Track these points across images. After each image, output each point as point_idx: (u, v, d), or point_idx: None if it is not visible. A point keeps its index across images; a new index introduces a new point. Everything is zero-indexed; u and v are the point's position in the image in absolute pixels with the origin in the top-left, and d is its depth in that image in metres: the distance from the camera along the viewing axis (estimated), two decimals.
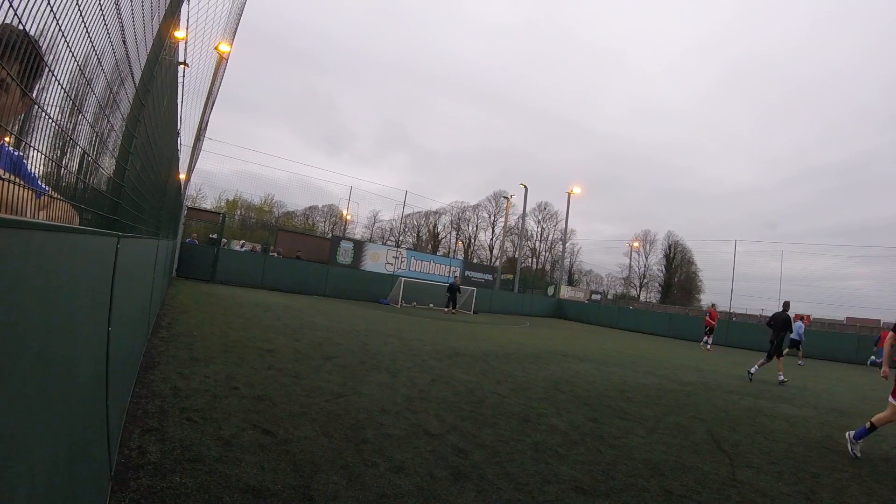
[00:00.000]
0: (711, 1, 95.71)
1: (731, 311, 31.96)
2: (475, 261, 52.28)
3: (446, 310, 21.76)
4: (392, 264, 26.66)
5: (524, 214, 39.69)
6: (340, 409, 4.23)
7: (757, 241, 67.47)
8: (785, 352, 14.82)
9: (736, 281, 31.35)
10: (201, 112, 13.73)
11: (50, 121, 1.12)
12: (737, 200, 79.14)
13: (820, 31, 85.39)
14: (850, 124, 78.67)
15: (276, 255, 23.41)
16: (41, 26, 0.88)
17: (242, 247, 26.20)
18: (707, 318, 19.92)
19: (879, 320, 38.67)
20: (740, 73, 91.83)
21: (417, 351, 8.35)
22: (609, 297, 52.57)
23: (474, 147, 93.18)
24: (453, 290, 22.08)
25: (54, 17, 0.93)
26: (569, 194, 37.87)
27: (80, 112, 1.38)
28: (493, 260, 54.46)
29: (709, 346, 19.15)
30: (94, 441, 1.68)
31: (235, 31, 10.75)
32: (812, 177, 79.99)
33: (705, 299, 58.09)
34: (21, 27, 0.79)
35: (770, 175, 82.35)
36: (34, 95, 1.02)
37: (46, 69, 1.03)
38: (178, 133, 8.89)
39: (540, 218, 62.57)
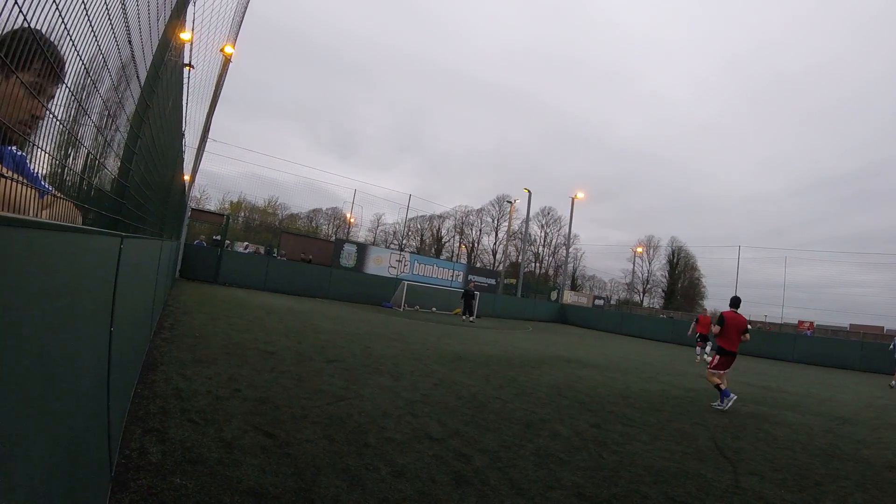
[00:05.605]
0: (728, 18, 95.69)
1: None
2: (478, 265, 52.17)
3: (464, 317, 20.72)
4: (395, 268, 26.67)
5: (528, 219, 39.72)
6: (342, 412, 4.22)
7: (761, 247, 67.17)
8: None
9: (740, 287, 31.20)
10: (206, 113, 13.79)
11: (55, 120, 1.12)
12: (744, 207, 78.71)
13: (836, 53, 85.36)
14: (864, 134, 78.20)
15: (280, 258, 23.44)
16: (49, 26, 0.88)
17: (246, 249, 26.26)
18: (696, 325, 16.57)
19: (883, 327, 38.42)
20: (757, 85, 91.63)
21: (420, 355, 8.34)
22: (612, 302, 52.42)
23: (485, 152, 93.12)
24: (468, 296, 21.10)
25: (60, 17, 0.93)
26: (572, 199, 37.86)
27: (84, 112, 1.38)
28: (496, 264, 54.36)
29: (706, 356, 15.03)
30: (94, 441, 1.67)
31: (238, 32, 10.79)
32: (822, 185, 79.58)
33: (708, 305, 57.88)
34: (29, 26, 0.79)
35: (779, 182, 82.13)
36: (42, 96, 1.02)
37: (53, 70, 1.03)
38: (183, 134, 8.92)
39: (543, 223, 62.42)
